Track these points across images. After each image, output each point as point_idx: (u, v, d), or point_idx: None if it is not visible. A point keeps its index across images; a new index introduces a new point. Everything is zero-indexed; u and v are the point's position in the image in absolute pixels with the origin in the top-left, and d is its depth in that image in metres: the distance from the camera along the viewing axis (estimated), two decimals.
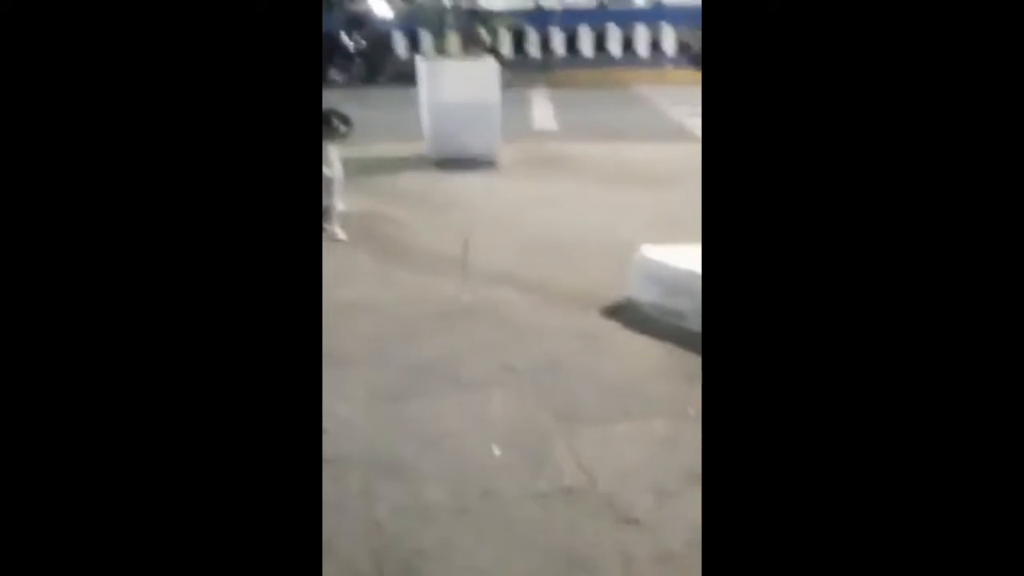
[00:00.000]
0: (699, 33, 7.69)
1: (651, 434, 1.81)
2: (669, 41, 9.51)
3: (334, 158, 3.30)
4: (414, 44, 11.46)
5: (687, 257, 2.25)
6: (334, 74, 10.47)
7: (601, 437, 1.81)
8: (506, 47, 10.51)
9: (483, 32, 5.15)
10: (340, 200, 3.45)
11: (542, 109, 7.18)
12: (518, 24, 9.54)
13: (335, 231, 3.40)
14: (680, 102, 6.73)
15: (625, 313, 2.51)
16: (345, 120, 3.27)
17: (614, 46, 9.65)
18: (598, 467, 1.68)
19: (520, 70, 7.53)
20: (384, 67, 10.91)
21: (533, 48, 9.68)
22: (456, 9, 5.11)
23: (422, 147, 4.97)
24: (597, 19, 9.78)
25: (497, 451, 1.75)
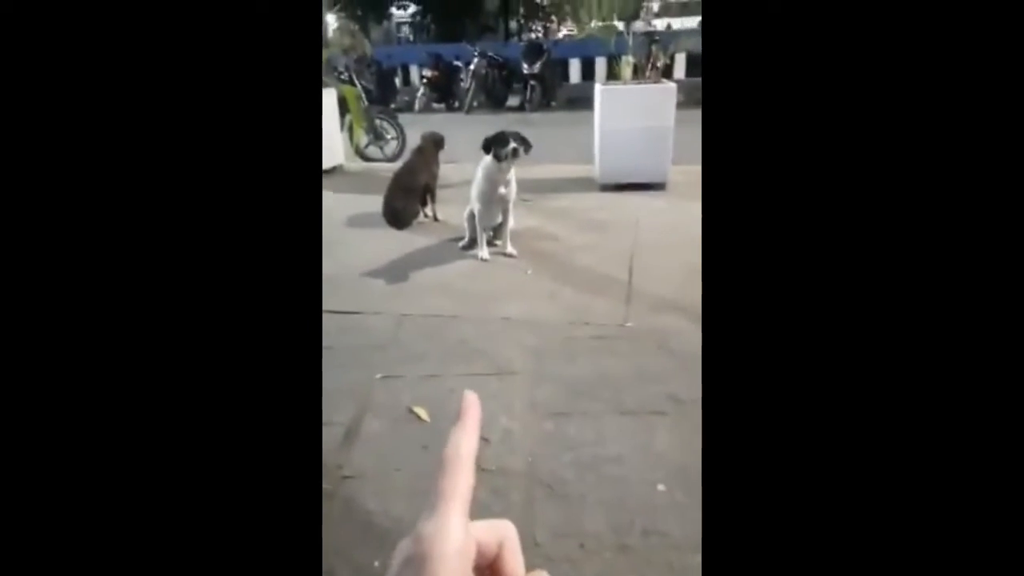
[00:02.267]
0: None
1: None
2: None
3: (511, 178, 3.41)
4: (587, 69, 11.70)
5: None
6: (511, 99, 11.01)
7: None
8: (680, 69, 10.33)
9: (659, 54, 5.04)
10: (512, 218, 3.56)
11: None
12: (695, 45, 9.31)
13: (507, 247, 3.52)
14: None
15: None
16: (524, 142, 3.36)
17: None
18: None
19: (694, 90, 7.32)
20: (557, 92, 11.26)
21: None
22: (633, 33, 5.07)
23: (593, 170, 4.99)
24: None
25: (662, 487, 1.66)
